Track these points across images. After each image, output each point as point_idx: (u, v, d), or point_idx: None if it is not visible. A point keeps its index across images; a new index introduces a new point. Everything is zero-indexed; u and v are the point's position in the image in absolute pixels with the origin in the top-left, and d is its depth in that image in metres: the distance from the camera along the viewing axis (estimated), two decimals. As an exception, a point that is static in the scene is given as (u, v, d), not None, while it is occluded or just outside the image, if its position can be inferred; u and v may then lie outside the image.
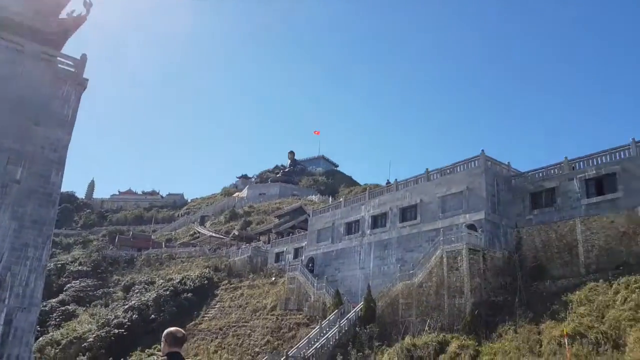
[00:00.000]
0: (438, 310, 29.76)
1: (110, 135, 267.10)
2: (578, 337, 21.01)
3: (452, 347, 25.79)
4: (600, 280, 25.02)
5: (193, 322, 46.51)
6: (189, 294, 50.58)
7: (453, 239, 31.36)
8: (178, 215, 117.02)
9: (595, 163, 31.05)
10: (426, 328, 28.66)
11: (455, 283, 29.85)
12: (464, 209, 34.19)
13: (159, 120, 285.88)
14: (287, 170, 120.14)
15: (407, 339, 28.06)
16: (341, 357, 28.76)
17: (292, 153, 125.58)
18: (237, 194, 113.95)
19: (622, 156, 29.77)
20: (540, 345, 22.57)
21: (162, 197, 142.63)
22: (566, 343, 19.84)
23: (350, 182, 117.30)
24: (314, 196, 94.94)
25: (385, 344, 29.12)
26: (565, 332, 20.36)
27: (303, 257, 46.64)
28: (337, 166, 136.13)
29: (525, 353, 22.60)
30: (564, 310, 23.91)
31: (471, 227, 32.63)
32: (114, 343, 43.86)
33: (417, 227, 36.77)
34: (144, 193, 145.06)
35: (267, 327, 38.75)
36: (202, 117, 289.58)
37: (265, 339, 37.15)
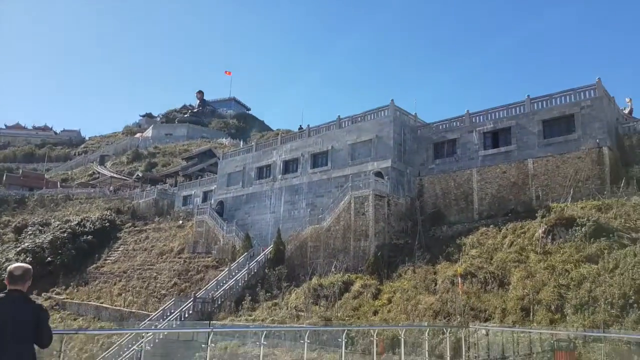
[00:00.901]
0: (344, 253, 30.94)
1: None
2: (469, 277, 22.99)
3: (356, 286, 27.09)
4: (491, 226, 27.37)
5: (94, 265, 44.33)
6: (89, 237, 48.01)
7: (361, 185, 32.28)
8: (75, 154, 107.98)
9: (493, 117, 33.15)
10: (332, 269, 29.77)
11: (361, 227, 31.03)
12: (372, 156, 35.14)
13: (52, 46, 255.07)
14: (195, 110, 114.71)
15: (315, 279, 28.97)
16: (250, 297, 29.05)
17: (200, 93, 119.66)
18: (140, 134, 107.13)
19: (517, 112, 32.03)
20: (436, 284, 24.42)
21: (56, 133, 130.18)
22: (459, 281, 21.62)
23: (263, 126, 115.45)
24: (224, 139, 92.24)
25: (293, 285, 29.83)
26: (458, 272, 22.16)
27: (212, 201, 45.57)
28: (249, 109, 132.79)
29: (422, 291, 24.35)
30: (458, 253, 25.94)
31: (378, 174, 33.77)
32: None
33: (328, 174, 37.28)
34: (35, 128, 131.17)
35: (174, 270, 37.88)
36: (101, 48, 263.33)
37: (172, 282, 36.37)
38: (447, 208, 32.85)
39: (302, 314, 25.93)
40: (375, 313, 24.45)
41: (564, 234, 22.72)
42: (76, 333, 33.88)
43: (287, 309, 27.12)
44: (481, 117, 33.86)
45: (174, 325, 26.06)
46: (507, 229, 25.97)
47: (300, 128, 43.37)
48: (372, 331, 12.46)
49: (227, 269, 33.29)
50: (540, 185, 29.15)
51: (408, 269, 27.03)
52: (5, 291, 4.98)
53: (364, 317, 24.26)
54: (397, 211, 32.58)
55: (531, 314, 18.73)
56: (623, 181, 25.41)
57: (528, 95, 31.83)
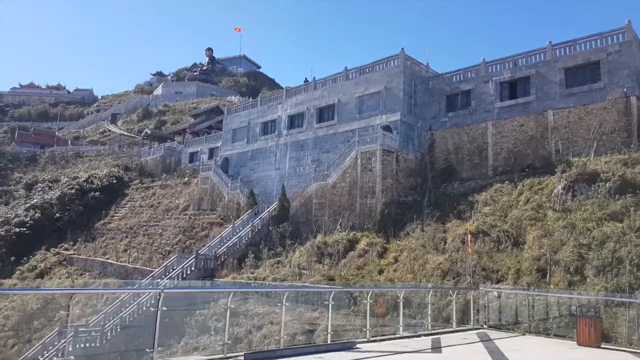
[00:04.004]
0: (350, 210, 29.71)
1: (7, 21, 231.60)
2: (481, 235, 21.62)
3: (362, 244, 26.00)
4: (506, 182, 25.71)
5: (101, 222, 44.20)
6: (97, 193, 47.73)
7: (368, 140, 30.62)
8: (87, 113, 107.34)
9: (511, 66, 30.79)
10: (338, 227, 28.65)
11: (367, 184, 29.61)
12: (381, 109, 33.25)
13: (64, 6, 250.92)
14: (205, 69, 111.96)
15: (319, 237, 27.95)
16: (253, 254, 28.26)
17: (210, 50, 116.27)
18: (151, 92, 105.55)
19: (538, 59, 29.62)
20: (445, 243, 23.16)
21: (69, 92, 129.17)
22: (468, 239, 20.27)
23: (273, 85, 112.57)
24: (233, 97, 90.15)
25: (297, 242, 28.93)
26: (469, 229, 20.75)
27: (217, 158, 44.38)
28: (259, 67, 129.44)
29: (430, 250, 23.13)
30: (470, 210, 24.48)
31: (387, 128, 31.99)
32: (16, 242, 41.43)
33: (334, 128, 35.57)
34: (48, 87, 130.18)
35: (179, 227, 37.33)
36: (112, 7, 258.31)
37: (177, 238, 35.88)
38: (459, 164, 31.12)
39: (305, 272, 25.04)
40: (380, 272, 23.43)
41: (586, 190, 21.03)
42: (88, 291, 33.79)
43: (290, 267, 26.26)
44: (498, 65, 31.51)
45: (176, 282, 25.44)
46: (524, 185, 24.31)
47: (306, 81, 41.34)
48: (365, 293, 11.25)
49: (230, 226, 32.45)
50: (561, 139, 27.17)
51: (416, 227, 25.78)
52: None
53: (368, 276, 23.25)
54: (406, 167, 30.98)
55: (548, 276, 17.38)
56: (652, 133, 23.35)
57: (549, 42, 29.34)
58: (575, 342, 11.95)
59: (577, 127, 26.73)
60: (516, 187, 24.59)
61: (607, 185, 20.18)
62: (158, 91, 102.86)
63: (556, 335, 13.11)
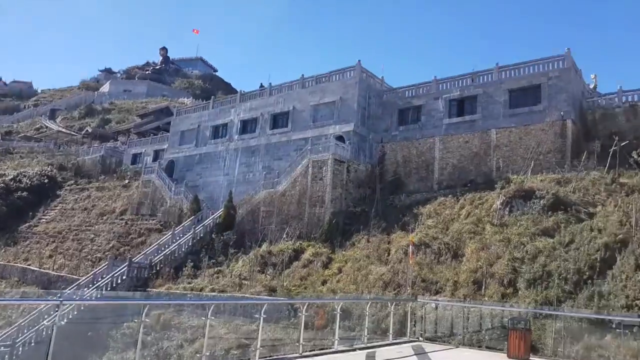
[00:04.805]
0: (298, 219, 29.45)
1: None
2: (423, 247, 21.93)
3: (307, 254, 25.76)
4: (450, 196, 26.34)
5: (27, 224, 41.13)
6: (24, 193, 44.41)
7: (321, 149, 30.59)
8: (24, 107, 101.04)
9: (460, 85, 31.75)
10: (284, 236, 28.30)
11: (317, 193, 29.50)
12: (335, 119, 33.38)
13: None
14: (158, 68, 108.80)
15: (264, 247, 27.49)
16: (192, 263, 27.29)
17: (164, 49, 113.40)
18: (98, 89, 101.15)
19: (485, 80, 30.74)
20: (389, 254, 23.31)
21: (5, 84, 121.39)
22: (410, 251, 20.50)
23: (229, 89, 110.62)
24: (186, 99, 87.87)
25: (241, 252, 28.26)
26: (412, 240, 21.00)
27: (162, 160, 42.90)
28: (216, 71, 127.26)
29: (374, 261, 23.21)
30: (414, 222, 24.84)
31: (340, 138, 32.11)
32: None
33: (287, 135, 35.32)
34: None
35: (113, 232, 35.49)
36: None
37: (111, 244, 34.06)
38: (407, 176, 31.65)
39: (246, 282, 24.44)
40: (324, 283, 23.23)
41: (522, 207, 21.85)
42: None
43: (231, 277, 25.57)
44: (448, 84, 32.42)
45: (103, 293, 24.05)
46: (465, 200, 25.00)
47: (261, 86, 40.88)
48: (300, 305, 10.96)
49: (170, 233, 31.26)
50: (502, 157, 28.21)
51: (362, 237, 25.87)
52: None
53: (311, 287, 22.98)
54: (357, 178, 31.15)
55: (483, 288, 17.80)
56: (584, 155, 24.66)
57: (497, 63, 30.55)
58: (505, 355, 12.18)
59: (517, 146, 27.84)
60: (458, 201, 25.23)
61: (542, 202, 21.06)
62: (105, 88, 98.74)
63: (488, 348, 13.35)
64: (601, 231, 17.63)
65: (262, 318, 9.80)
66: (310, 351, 11.81)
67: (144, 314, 8.20)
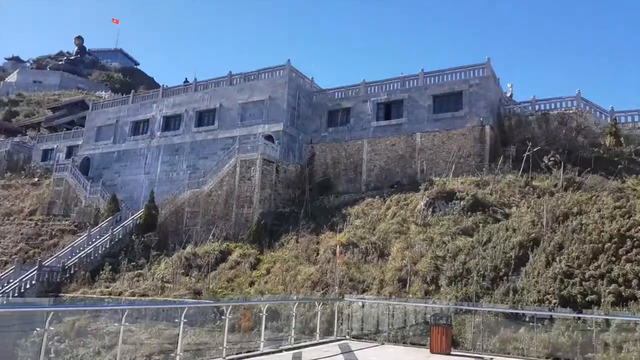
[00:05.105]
0: (225, 220, 28.63)
1: None
2: (351, 247, 22.13)
3: (234, 255, 25.08)
4: (377, 197, 26.89)
5: None
6: None
7: (249, 148, 29.96)
8: None
9: (388, 89, 32.61)
10: (210, 237, 27.39)
11: (245, 193, 28.85)
12: (264, 119, 32.89)
13: None
14: (73, 58, 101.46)
15: (189, 248, 26.41)
16: (110, 266, 25.54)
17: (80, 39, 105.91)
18: (4, 78, 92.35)
19: (411, 85, 31.79)
20: (317, 254, 23.29)
21: None
22: (338, 250, 20.61)
23: (152, 84, 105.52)
24: (104, 92, 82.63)
25: (164, 254, 26.96)
26: (339, 240, 21.11)
27: (77, 157, 39.91)
28: (137, 64, 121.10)
29: (303, 261, 23.08)
30: (343, 223, 25.06)
31: (269, 138, 31.68)
32: None
33: (214, 134, 34.26)
34: None
35: (22, 234, 32.47)
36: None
37: (18, 247, 31.10)
38: (336, 177, 31.92)
39: (169, 285, 23.28)
40: (251, 284, 22.71)
41: (444, 207, 22.77)
42: None
43: (152, 280, 24.25)
44: (376, 87, 33.16)
45: (9, 299, 21.82)
46: (392, 200, 25.64)
47: (186, 82, 39.30)
48: (225, 307, 10.50)
49: (86, 234, 29.09)
50: (426, 159, 29.30)
51: (291, 238, 25.67)
52: None
53: (238, 289, 22.37)
54: (286, 178, 30.87)
55: (408, 285, 18.24)
56: (500, 159, 26.23)
57: (422, 69, 31.70)
58: (428, 350, 12.47)
59: (440, 150, 29.05)
60: (385, 202, 25.82)
61: (462, 203, 22.08)
62: (12, 78, 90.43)
63: (412, 344, 13.63)
64: (515, 230, 18.74)
65: (182, 322, 9.20)
66: (236, 354, 11.37)
67: (47, 321, 7.33)
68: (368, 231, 23.38)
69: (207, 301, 19.37)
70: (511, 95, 35.44)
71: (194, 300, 20.38)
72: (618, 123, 26.79)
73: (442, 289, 17.28)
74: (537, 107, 29.74)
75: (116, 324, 21.13)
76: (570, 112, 28.23)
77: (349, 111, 33.23)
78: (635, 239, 15.36)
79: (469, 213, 21.59)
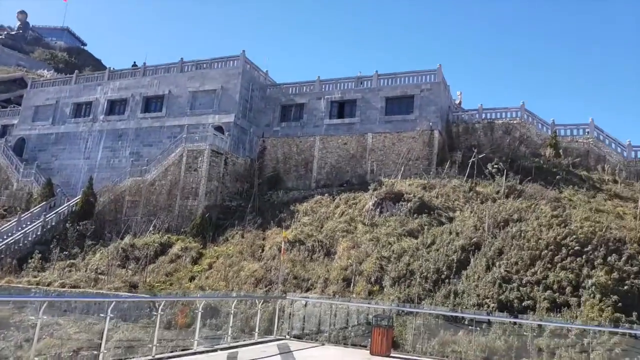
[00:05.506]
0: (168, 211, 27.53)
1: None
2: (297, 244, 21.80)
3: (175, 248, 24.14)
4: (326, 195, 26.74)
5: None
6: None
7: (197, 138, 28.96)
8: None
9: (342, 88, 32.58)
10: (151, 228, 26.23)
11: (191, 184, 27.85)
12: (215, 109, 31.94)
13: None
14: (14, 34, 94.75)
15: (127, 239, 25.17)
16: (40, 255, 23.87)
17: (23, 13, 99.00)
18: None
19: (365, 86, 31.90)
20: (263, 250, 22.80)
21: None
22: (282, 247, 20.23)
23: (100, 66, 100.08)
24: (47, 71, 77.70)
25: (100, 244, 25.60)
26: (285, 236, 20.74)
27: (11, 137, 37.19)
28: (85, 45, 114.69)
29: (247, 257, 22.51)
30: (290, 219, 24.71)
31: (219, 129, 30.78)
32: None
33: (161, 121, 32.89)
34: None
35: (-60, 218, 29.71)
36: None
37: None
38: (286, 173, 31.50)
39: (104, 277, 22.04)
40: (192, 279, 21.92)
41: (392, 208, 22.92)
42: None
43: (86, 271, 22.90)
44: (331, 85, 33.03)
45: None
46: (341, 199, 25.55)
47: (135, 65, 37.48)
48: (157, 303, 9.88)
49: (15, 219, 27.07)
50: (376, 160, 29.47)
51: (237, 233, 25.03)
52: None
53: (177, 284, 21.53)
54: (235, 171, 30.10)
55: (352, 285, 18.15)
56: (447, 164, 26.78)
57: (376, 71, 31.87)
58: (369, 352, 12.36)
59: (390, 151, 29.31)
60: (334, 200, 25.70)
61: (409, 205, 22.32)
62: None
63: (353, 345, 13.49)
64: (459, 234, 19.10)
65: (108, 317, 8.53)
66: (170, 352, 10.77)
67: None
68: (316, 229, 23.15)
69: (138, 295, 18.47)
70: (460, 103, 36.42)
71: (125, 294, 19.37)
72: (558, 135, 28.07)
73: (385, 289, 17.30)
74: (483, 115, 30.66)
75: (45, 317, 19.86)
76: (515, 122, 29.31)
77: (303, 107, 32.90)
78: (570, 248, 16.00)
79: (415, 215, 21.86)
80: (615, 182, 24.17)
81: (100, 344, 17.38)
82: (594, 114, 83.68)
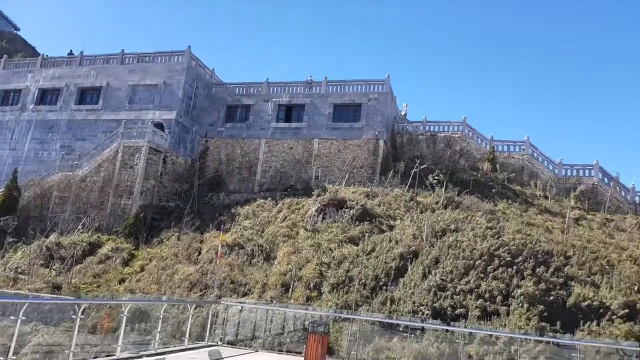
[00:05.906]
0: (99, 209, 26.02)
1: None
2: (237, 248, 21.23)
3: (105, 248, 22.82)
4: (269, 199, 26.32)
5: None
6: None
7: (135, 134, 27.66)
8: None
9: (290, 91, 32.34)
10: (80, 227, 24.67)
11: (126, 182, 26.49)
12: (156, 104, 30.70)
13: None
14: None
15: (53, 237, 23.54)
16: (-51, 252, 21.74)
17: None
18: None
19: (314, 91, 31.86)
20: (200, 254, 22.01)
21: None
22: (219, 250, 19.60)
23: (34, 53, 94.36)
24: (-28, 54, 72.02)
25: (22, 241, 23.80)
26: (223, 240, 20.10)
27: None
28: (18, 29, 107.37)
29: (183, 260, 21.65)
30: (231, 222, 24.06)
31: (159, 126, 29.60)
32: None
33: (97, 114, 31.16)
34: None
35: None
36: None
37: None
38: (229, 175, 30.76)
39: (24, 277, 20.37)
40: (122, 282, 20.78)
41: (334, 215, 22.89)
42: None
43: (4, 270, 21.11)
44: (279, 88, 32.71)
45: None
46: (284, 204, 25.24)
47: (71, 54, 35.31)
48: (76, 306, 9.12)
49: None
50: (322, 166, 29.44)
51: (173, 235, 24.06)
52: None
53: (105, 286, 20.31)
54: (174, 171, 28.98)
55: (290, 291, 17.83)
56: (390, 173, 27.19)
57: (325, 77, 31.96)
58: (303, 358, 12.06)
59: (336, 158, 29.39)
60: (277, 205, 25.34)
61: (351, 212, 22.37)
62: None
63: (288, 352, 13.15)
64: (398, 242, 19.31)
65: (19, 320, 7.72)
66: (94, 358, 9.96)
67: None
68: (256, 233, 22.66)
69: (59, 297, 17.17)
70: (405, 114, 37.29)
71: (47, 295, 17.96)
72: (496, 151, 29.32)
73: (324, 295, 17.14)
74: (427, 127, 31.50)
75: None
76: (456, 136, 30.33)
77: (249, 108, 32.35)
78: (502, 258, 16.57)
79: (357, 222, 21.92)
80: (546, 197, 25.51)
81: (18, 347, 15.98)
82: (530, 132, 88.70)
